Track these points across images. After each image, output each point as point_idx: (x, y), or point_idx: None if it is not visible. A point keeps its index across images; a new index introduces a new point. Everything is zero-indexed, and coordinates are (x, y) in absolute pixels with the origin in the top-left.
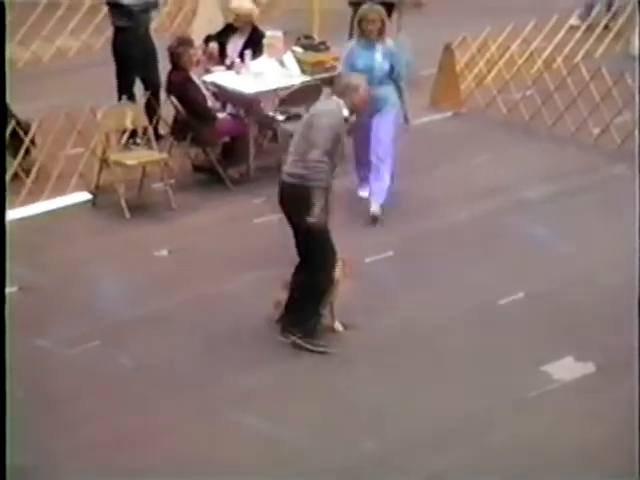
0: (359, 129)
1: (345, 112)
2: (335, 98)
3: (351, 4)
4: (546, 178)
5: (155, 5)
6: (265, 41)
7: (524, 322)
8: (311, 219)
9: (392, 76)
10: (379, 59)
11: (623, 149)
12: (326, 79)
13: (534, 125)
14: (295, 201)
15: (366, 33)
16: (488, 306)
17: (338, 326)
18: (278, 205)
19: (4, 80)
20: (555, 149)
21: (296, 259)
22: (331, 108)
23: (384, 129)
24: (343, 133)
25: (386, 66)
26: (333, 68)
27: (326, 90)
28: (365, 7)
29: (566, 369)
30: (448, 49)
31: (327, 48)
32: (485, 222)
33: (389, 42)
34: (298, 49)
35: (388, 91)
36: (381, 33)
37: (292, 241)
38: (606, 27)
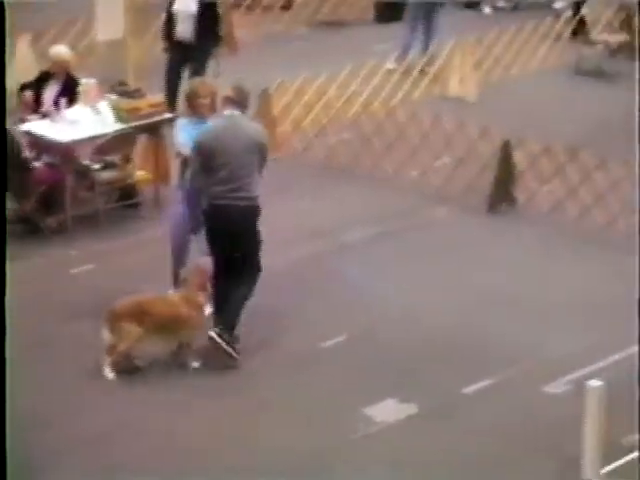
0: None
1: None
2: (238, 113)
3: (166, 50)
4: (367, 221)
5: None
6: (80, 88)
7: (347, 364)
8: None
9: None
10: None
11: (442, 192)
12: (141, 126)
13: (353, 168)
14: (250, 220)
15: (198, 110)
16: (311, 349)
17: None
18: (223, 228)
19: (4, 80)
20: (375, 192)
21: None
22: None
23: None
24: None
25: None
26: (148, 115)
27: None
28: (196, 82)
29: (389, 411)
30: (265, 94)
31: (142, 95)
32: (307, 265)
33: None
34: (113, 96)
35: None
36: (212, 109)
37: (107, 289)
38: (422, 71)
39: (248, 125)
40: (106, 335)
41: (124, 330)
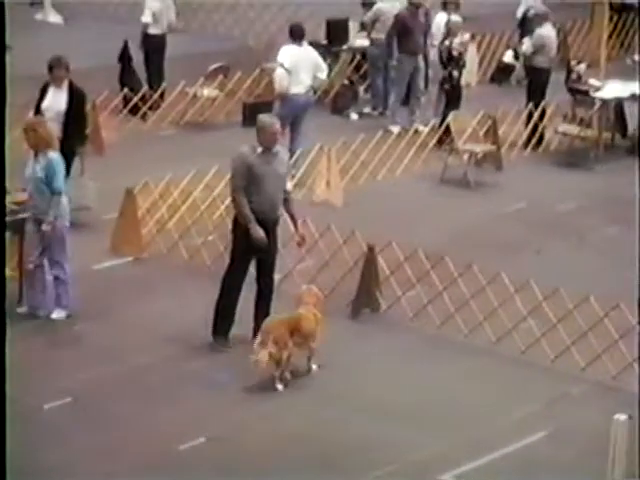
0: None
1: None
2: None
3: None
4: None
5: None
6: None
7: (205, 467)
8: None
9: (50, 187)
10: (39, 170)
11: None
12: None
13: (216, 270)
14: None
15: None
16: (169, 451)
17: (315, 367)
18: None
19: (4, 81)
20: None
21: None
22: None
23: (54, 246)
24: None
25: (41, 175)
26: (12, 212)
27: None
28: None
29: None
30: (130, 194)
31: (7, 192)
32: (167, 367)
33: (51, 154)
34: None
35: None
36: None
37: None
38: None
39: None
40: (272, 349)
41: (285, 343)
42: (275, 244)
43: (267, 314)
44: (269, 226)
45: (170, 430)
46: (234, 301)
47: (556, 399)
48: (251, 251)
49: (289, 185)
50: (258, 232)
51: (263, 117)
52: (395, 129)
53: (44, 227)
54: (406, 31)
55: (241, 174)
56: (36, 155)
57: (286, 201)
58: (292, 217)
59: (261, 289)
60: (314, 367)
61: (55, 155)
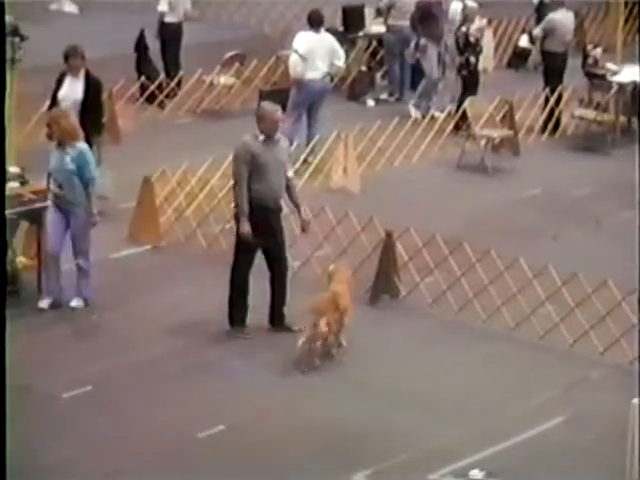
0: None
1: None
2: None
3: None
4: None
5: None
6: None
7: (224, 454)
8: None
9: (81, 178)
10: (69, 163)
11: (322, 282)
12: (23, 213)
13: None
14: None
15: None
16: (187, 439)
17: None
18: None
19: (4, 79)
20: (255, 282)
21: None
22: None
23: (80, 236)
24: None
25: (72, 167)
26: (30, 202)
27: None
28: (54, 111)
29: None
30: (147, 182)
31: (25, 182)
32: (184, 355)
33: (79, 145)
34: None
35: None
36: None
37: None
38: (305, 161)
39: None
40: (323, 326)
41: (332, 324)
42: (280, 231)
43: (283, 299)
44: (272, 214)
45: (189, 418)
46: (244, 291)
47: (574, 384)
48: (254, 241)
49: (290, 172)
50: (245, 228)
51: (264, 105)
52: (415, 113)
53: (94, 220)
54: (430, 17)
55: (245, 162)
56: (60, 146)
57: (288, 188)
58: (295, 203)
59: (274, 275)
60: (334, 351)
61: (84, 146)
